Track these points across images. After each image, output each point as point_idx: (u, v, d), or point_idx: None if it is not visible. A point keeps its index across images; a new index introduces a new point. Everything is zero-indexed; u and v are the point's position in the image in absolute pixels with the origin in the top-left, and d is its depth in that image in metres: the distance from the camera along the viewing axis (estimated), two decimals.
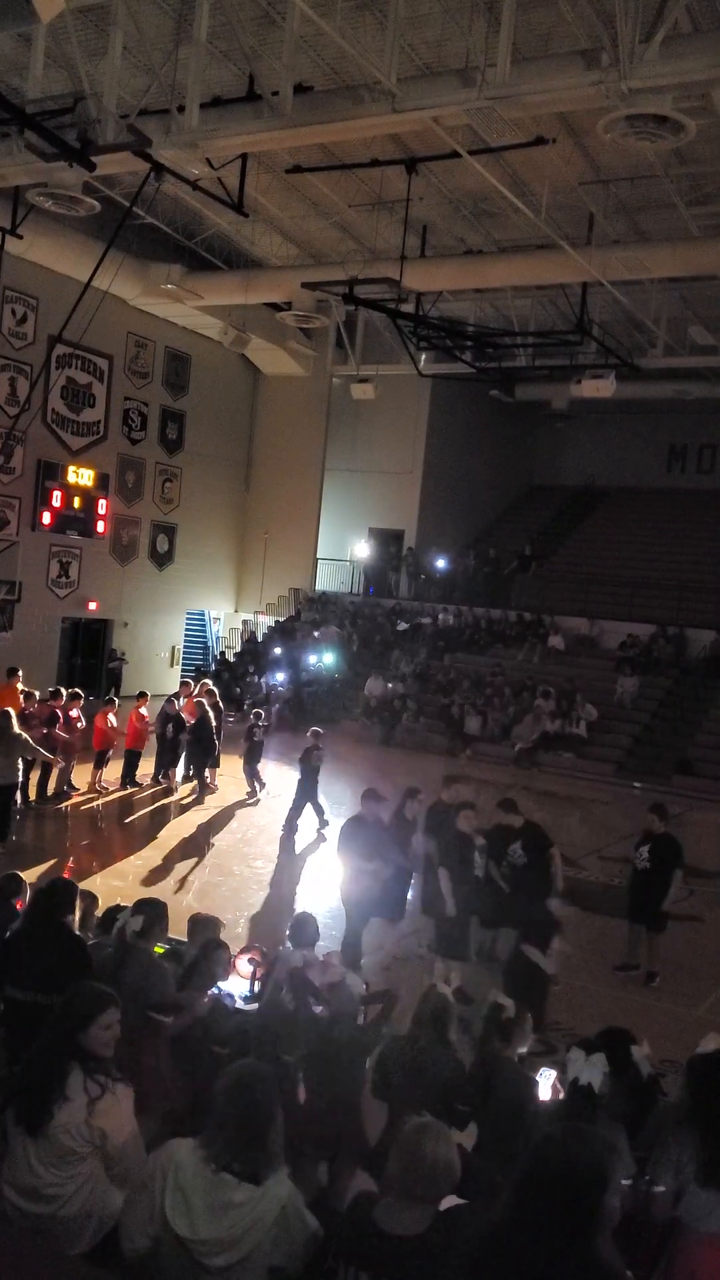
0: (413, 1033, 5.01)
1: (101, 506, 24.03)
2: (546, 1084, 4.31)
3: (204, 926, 6.30)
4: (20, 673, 15.13)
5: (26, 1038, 4.19)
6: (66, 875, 9.29)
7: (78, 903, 5.76)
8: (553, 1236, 2.37)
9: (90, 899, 6.53)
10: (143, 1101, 3.92)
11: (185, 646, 27.92)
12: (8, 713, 11.67)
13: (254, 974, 6.33)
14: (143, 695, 16.50)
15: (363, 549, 29.87)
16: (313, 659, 25.53)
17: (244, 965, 6.47)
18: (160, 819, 14.36)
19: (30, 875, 8.06)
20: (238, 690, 24.53)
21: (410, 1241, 2.82)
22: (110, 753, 15.35)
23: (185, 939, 6.65)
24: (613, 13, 10.88)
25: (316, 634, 26.45)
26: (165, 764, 16.14)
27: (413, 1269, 2.78)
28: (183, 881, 11.31)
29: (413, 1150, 2.94)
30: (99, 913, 7.07)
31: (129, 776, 15.72)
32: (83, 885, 6.83)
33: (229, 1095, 3.13)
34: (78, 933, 5.94)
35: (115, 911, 6.61)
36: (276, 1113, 3.13)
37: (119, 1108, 3.64)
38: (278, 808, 14.99)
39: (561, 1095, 4.38)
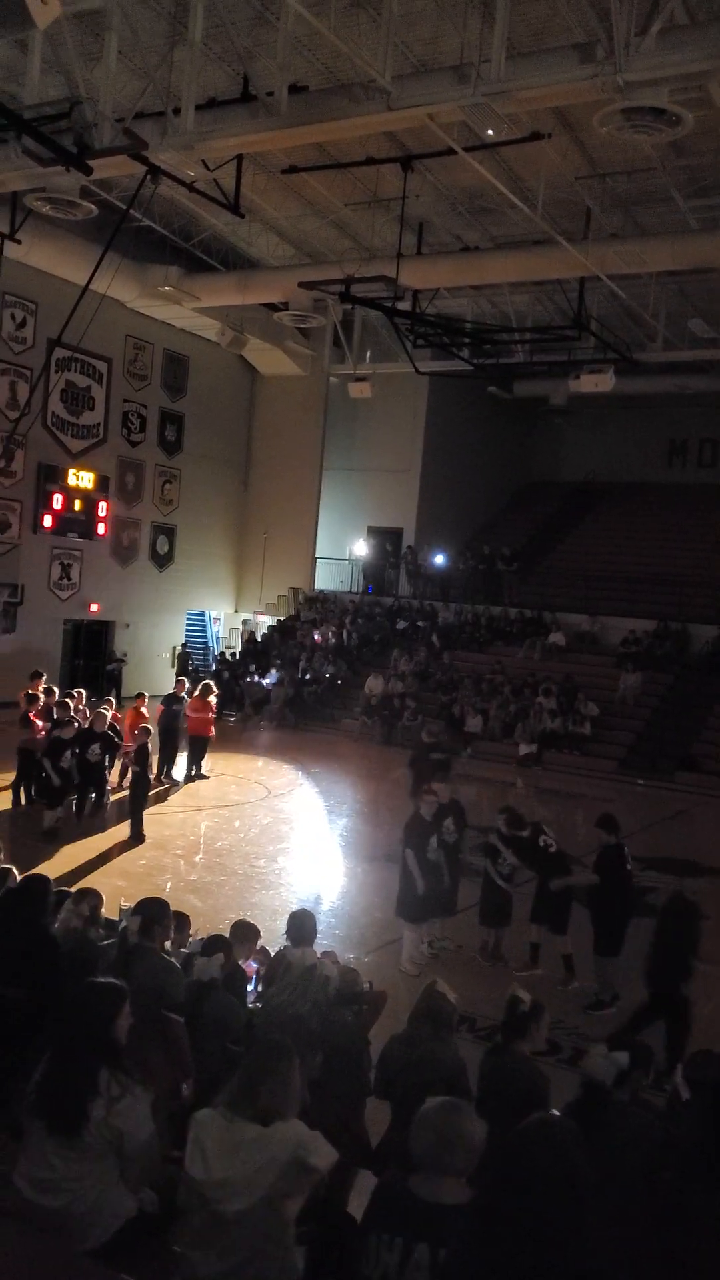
0: (410, 1031, 5.00)
1: (102, 509, 24.06)
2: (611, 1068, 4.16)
3: (241, 935, 6.27)
4: (45, 675, 15.66)
5: None
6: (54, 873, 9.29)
7: (70, 901, 5.78)
8: (523, 1237, 2.30)
9: (95, 897, 6.51)
10: (152, 1100, 3.92)
11: (186, 647, 27.92)
12: None
13: (257, 972, 6.35)
14: (140, 696, 16.48)
15: (361, 548, 29.84)
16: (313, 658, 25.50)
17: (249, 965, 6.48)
18: (162, 818, 14.34)
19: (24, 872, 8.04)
20: (238, 690, 24.56)
21: (455, 1210, 2.84)
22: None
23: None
24: (608, 5, 10.87)
25: (316, 634, 26.46)
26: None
27: (456, 1235, 2.78)
28: (185, 881, 11.31)
29: (440, 1125, 2.98)
30: (103, 911, 7.06)
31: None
32: (83, 884, 6.84)
33: (246, 1054, 3.44)
34: (72, 930, 5.99)
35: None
36: (288, 1066, 3.32)
37: (138, 1109, 3.65)
38: (279, 807, 14.96)
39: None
